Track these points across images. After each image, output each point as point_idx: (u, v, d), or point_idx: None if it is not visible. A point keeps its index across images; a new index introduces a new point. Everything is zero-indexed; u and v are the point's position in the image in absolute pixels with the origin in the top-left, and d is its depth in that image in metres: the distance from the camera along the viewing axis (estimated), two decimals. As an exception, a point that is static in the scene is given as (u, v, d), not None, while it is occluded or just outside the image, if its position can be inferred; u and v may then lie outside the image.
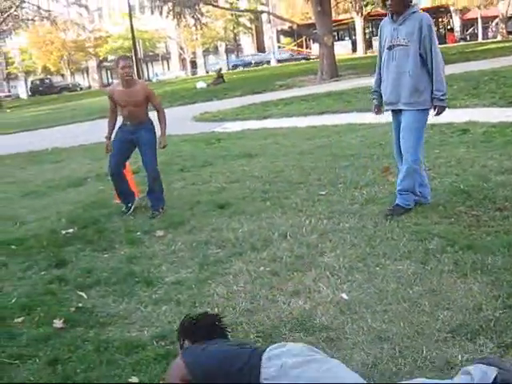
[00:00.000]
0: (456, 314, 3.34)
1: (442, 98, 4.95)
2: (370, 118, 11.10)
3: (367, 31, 47.05)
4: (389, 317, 3.39)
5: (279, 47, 54.95)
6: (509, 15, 41.74)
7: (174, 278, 4.36)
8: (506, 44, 30.66)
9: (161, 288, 4.22)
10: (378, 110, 5.51)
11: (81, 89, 54.36)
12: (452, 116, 10.12)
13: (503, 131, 8.40)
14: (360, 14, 43.01)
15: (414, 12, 4.93)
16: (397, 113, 5.22)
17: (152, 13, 30.25)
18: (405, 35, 4.92)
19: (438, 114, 5.03)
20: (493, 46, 31.15)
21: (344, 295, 3.74)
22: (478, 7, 48.99)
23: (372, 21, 46.35)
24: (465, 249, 4.21)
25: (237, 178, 7.40)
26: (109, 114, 6.37)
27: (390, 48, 5.06)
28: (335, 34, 35.25)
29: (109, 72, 62.78)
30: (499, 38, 39.88)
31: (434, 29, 5.10)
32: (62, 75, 62.02)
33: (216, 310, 3.74)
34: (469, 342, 3.05)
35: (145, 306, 3.96)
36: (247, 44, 61.69)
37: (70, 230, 5.84)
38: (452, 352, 2.98)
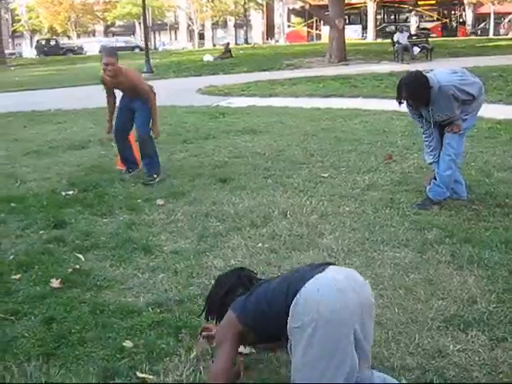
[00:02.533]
0: (450, 305, 3.37)
1: None
2: (375, 104, 11.16)
3: (379, 17, 46.60)
4: (384, 302, 3.42)
5: (289, 26, 54.43)
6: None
7: (172, 248, 4.38)
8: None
9: (158, 256, 4.24)
10: None
11: (85, 52, 53.89)
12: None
13: (508, 128, 8.41)
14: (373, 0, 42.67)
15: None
16: None
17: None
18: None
19: None
20: (503, 42, 30.93)
21: (341, 277, 3.76)
22: (492, 2, 48.59)
23: (384, 7, 45.95)
24: (462, 241, 4.25)
25: (239, 154, 7.39)
26: (106, 97, 6.56)
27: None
28: (347, 17, 34.88)
29: (116, 37, 62.19)
30: (510, 35, 39.58)
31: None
32: (68, 37, 61.41)
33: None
34: (461, 333, 3.09)
35: (142, 272, 3.98)
36: (257, 20, 61.10)
37: (70, 192, 5.85)
38: (444, 341, 3.01)
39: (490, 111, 9.79)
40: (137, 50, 46.24)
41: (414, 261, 3.96)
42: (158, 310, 3.42)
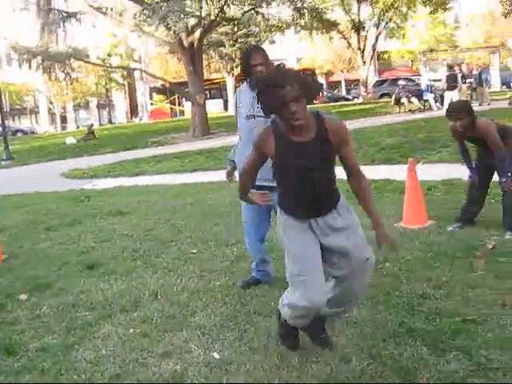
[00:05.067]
0: (323, 367, 3.42)
1: None
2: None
3: (238, 91, 48.51)
4: (259, 375, 3.42)
5: (152, 104, 55.12)
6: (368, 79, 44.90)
7: (38, 345, 4.13)
8: (367, 106, 32.87)
9: (23, 356, 3.98)
10: None
11: None
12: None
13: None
14: (231, 75, 44.34)
15: None
16: None
17: (20, 66, 29.31)
18: None
19: None
20: (352, 108, 33.23)
21: (215, 354, 3.72)
22: (342, 71, 52.80)
23: (243, 80, 47.93)
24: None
25: (107, 237, 7.22)
26: None
27: (248, 117, 4.67)
28: (207, 92, 36.01)
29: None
30: (361, 99, 42.72)
31: None
32: None
33: (83, 376, 3.59)
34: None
35: (5, 375, 3.71)
36: (120, 100, 61.29)
37: None
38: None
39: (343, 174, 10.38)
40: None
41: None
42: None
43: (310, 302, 3.27)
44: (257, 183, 3.66)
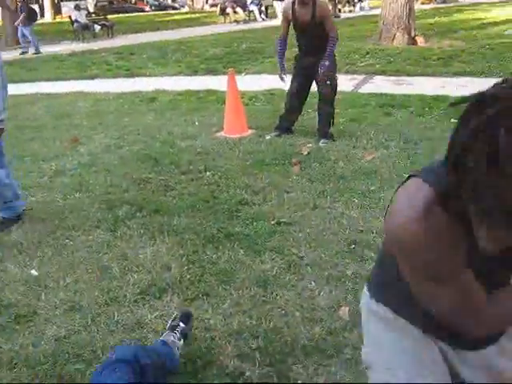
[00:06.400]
0: (145, 276, 3.48)
1: None
2: (57, 87, 10.82)
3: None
4: (80, 287, 3.39)
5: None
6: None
7: None
8: (193, 15, 32.33)
9: None
10: None
11: None
12: (140, 85, 10.42)
13: (188, 99, 8.92)
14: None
15: None
16: None
17: None
18: None
19: None
20: (179, 17, 32.52)
21: (33, 271, 3.62)
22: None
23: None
24: (152, 213, 4.41)
25: None
26: None
27: None
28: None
29: None
30: (187, 8, 41.77)
31: None
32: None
33: None
34: (157, 300, 3.22)
35: None
36: None
37: None
38: (142, 312, 3.11)
39: (172, 83, 10.31)
40: None
41: (107, 240, 3.99)
42: None
43: None
44: None
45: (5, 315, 3.16)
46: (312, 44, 5.92)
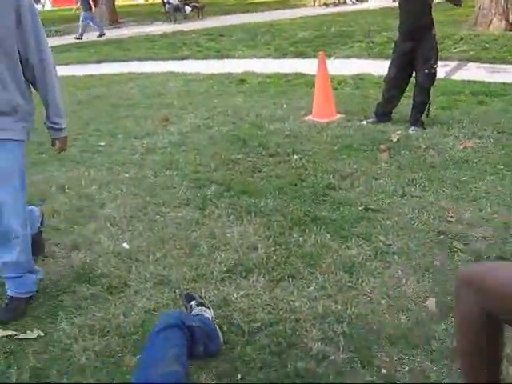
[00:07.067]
0: (232, 255, 3.52)
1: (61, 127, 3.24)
2: (150, 67, 11.11)
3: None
4: (169, 262, 3.48)
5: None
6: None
7: None
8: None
9: None
10: None
11: None
12: (230, 66, 10.51)
13: (277, 82, 8.91)
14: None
15: None
16: None
17: None
18: None
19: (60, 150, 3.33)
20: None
21: (125, 244, 3.75)
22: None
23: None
24: (240, 194, 4.45)
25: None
26: None
27: None
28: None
29: None
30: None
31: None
32: None
33: None
34: (243, 280, 3.26)
35: None
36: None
37: None
38: (228, 290, 3.16)
39: (260, 66, 10.34)
40: None
41: (195, 218, 4.07)
42: None
43: None
44: None
45: (98, 285, 3.29)
46: (415, 23, 5.73)
